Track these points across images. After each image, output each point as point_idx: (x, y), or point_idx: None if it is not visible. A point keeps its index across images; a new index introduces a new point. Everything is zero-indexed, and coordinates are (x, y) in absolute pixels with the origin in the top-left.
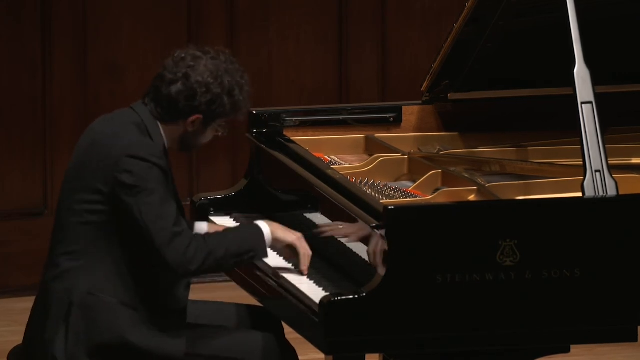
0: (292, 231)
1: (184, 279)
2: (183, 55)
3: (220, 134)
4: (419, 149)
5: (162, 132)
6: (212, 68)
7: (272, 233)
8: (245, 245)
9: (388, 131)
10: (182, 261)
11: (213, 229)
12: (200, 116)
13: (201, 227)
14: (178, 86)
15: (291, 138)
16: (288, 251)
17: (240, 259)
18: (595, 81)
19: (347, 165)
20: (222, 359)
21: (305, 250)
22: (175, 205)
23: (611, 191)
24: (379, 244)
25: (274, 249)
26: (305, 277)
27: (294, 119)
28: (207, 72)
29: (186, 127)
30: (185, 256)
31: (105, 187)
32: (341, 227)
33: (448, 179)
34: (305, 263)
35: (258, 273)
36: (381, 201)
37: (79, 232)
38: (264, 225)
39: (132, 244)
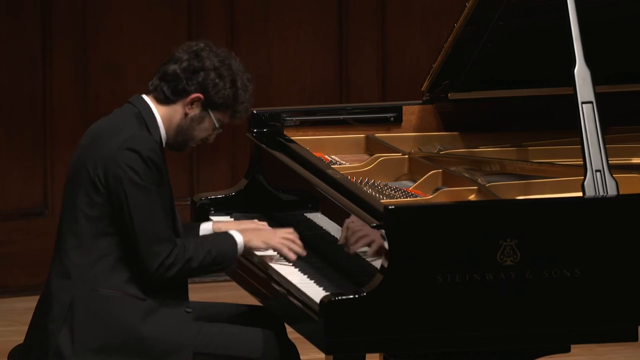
0: (266, 233)
1: (156, 282)
2: (194, 42)
3: (214, 131)
4: (419, 148)
5: (160, 121)
6: (223, 56)
7: (246, 243)
8: (218, 259)
9: (388, 131)
10: (158, 268)
11: (217, 228)
12: (201, 95)
13: (206, 227)
14: (184, 64)
15: (291, 138)
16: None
17: (210, 269)
18: (595, 81)
19: (348, 165)
20: (222, 357)
21: (281, 245)
22: (167, 205)
23: (611, 191)
24: (379, 243)
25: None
26: (306, 276)
27: (294, 118)
28: (216, 58)
29: (185, 108)
30: (163, 264)
31: (103, 179)
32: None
33: (448, 179)
34: (289, 253)
35: (258, 273)
36: (381, 201)
37: (81, 226)
38: (238, 237)
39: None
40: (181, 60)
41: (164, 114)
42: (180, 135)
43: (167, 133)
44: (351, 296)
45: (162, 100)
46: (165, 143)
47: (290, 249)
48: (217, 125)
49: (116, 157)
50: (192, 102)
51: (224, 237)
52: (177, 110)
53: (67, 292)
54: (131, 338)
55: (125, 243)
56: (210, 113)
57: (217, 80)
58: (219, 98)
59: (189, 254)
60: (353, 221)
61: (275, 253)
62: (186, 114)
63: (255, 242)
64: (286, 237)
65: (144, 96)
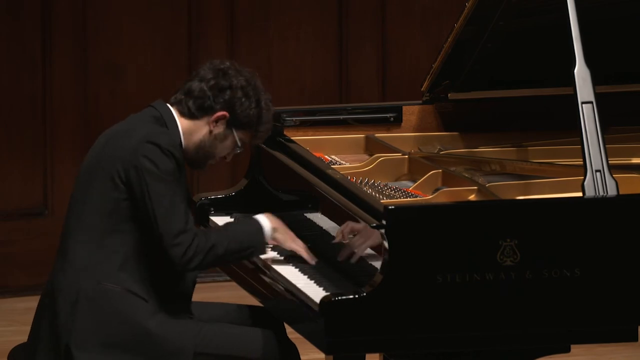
0: (291, 233)
1: (183, 272)
2: (219, 61)
3: (234, 150)
4: (419, 148)
5: (182, 131)
6: (248, 77)
7: (273, 231)
8: (245, 243)
9: (388, 131)
10: (182, 258)
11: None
12: (227, 114)
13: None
14: (211, 81)
15: (291, 138)
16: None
17: (239, 255)
18: (595, 81)
19: (348, 165)
20: (222, 357)
21: (302, 249)
22: (187, 199)
23: (611, 191)
24: (379, 243)
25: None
26: (306, 276)
27: (294, 118)
28: (242, 78)
29: (210, 125)
30: (186, 255)
31: (123, 173)
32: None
33: (448, 179)
34: (310, 260)
35: (258, 273)
36: (381, 201)
37: (92, 222)
38: (265, 223)
39: (144, 231)
40: (207, 78)
41: (185, 126)
42: (201, 151)
43: (186, 146)
44: (351, 296)
45: (185, 114)
46: (183, 151)
47: (308, 255)
48: (239, 144)
49: (136, 149)
50: (217, 120)
51: (250, 222)
52: (200, 127)
53: (72, 286)
54: (134, 335)
55: (144, 239)
56: (234, 132)
57: (243, 99)
58: (244, 117)
59: (212, 242)
60: (351, 227)
61: (276, 254)
62: (210, 132)
63: (281, 234)
64: (304, 246)
65: (168, 104)
